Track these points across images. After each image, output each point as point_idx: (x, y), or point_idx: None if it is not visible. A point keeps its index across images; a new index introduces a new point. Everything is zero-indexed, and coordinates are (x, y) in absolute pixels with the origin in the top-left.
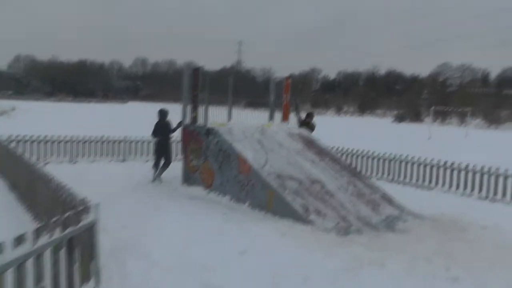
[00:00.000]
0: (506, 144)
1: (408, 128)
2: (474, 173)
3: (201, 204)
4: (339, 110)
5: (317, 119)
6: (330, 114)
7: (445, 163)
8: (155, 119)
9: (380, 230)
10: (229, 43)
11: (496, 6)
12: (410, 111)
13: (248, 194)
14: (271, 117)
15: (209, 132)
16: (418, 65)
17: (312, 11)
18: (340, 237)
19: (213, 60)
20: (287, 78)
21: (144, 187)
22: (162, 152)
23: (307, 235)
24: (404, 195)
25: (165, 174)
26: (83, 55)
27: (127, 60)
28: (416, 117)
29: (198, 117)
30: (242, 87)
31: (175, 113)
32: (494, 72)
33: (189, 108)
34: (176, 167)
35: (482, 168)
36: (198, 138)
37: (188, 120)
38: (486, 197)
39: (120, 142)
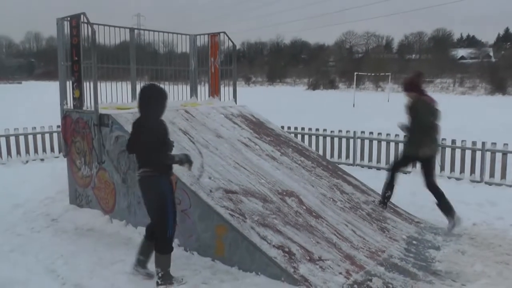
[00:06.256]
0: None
1: (326, 95)
2: (484, 152)
3: (96, 247)
4: (248, 80)
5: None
6: (239, 84)
7: (442, 140)
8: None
9: (419, 278)
10: (127, 16)
11: None
12: (322, 78)
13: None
14: (193, 91)
15: (103, 121)
16: (321, 34)
17: None
18: None
19: (109, 35)
20: (213, 35)
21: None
22: None
23: None
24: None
25: (48, 189)
26: None
27: (17, 35)
28: (330, 84)
29: (83, 98)
30: (144, 60)
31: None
32: (397, 39)
33: (68, 84)
34: (62, 176)
35: (484, 144)
36: (85, 131)
37: (68, 104)
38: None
39: None
